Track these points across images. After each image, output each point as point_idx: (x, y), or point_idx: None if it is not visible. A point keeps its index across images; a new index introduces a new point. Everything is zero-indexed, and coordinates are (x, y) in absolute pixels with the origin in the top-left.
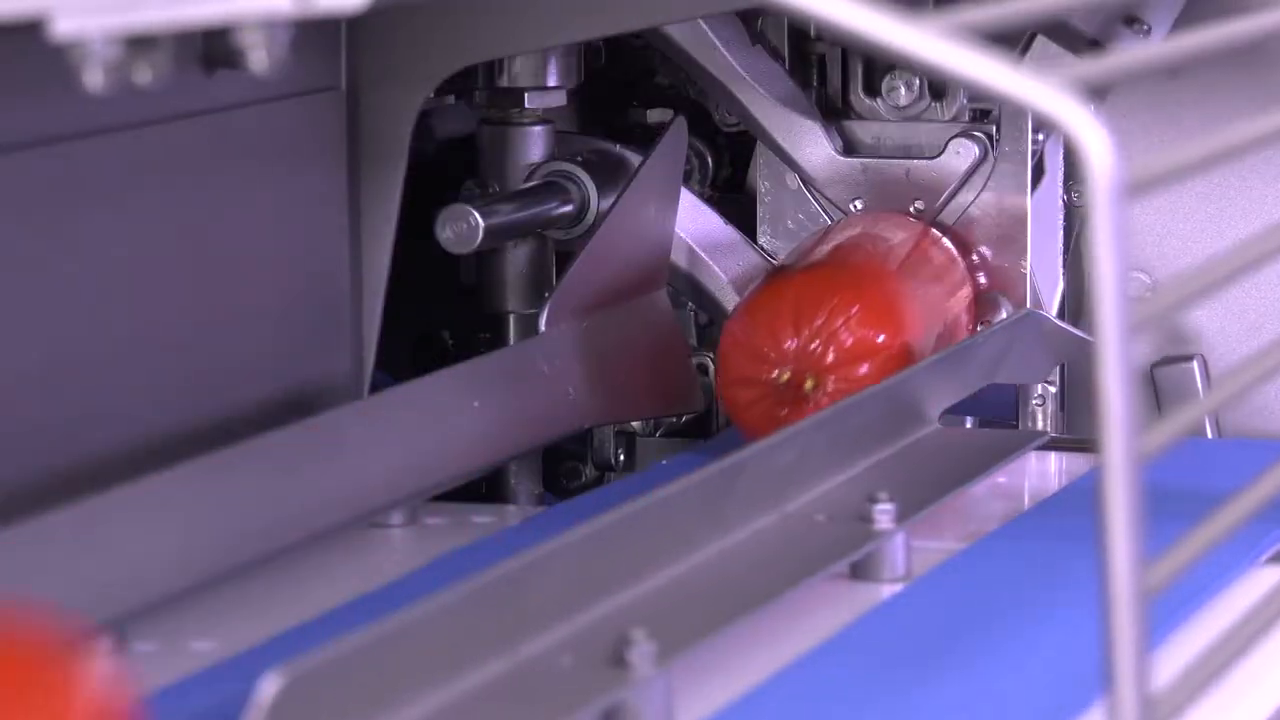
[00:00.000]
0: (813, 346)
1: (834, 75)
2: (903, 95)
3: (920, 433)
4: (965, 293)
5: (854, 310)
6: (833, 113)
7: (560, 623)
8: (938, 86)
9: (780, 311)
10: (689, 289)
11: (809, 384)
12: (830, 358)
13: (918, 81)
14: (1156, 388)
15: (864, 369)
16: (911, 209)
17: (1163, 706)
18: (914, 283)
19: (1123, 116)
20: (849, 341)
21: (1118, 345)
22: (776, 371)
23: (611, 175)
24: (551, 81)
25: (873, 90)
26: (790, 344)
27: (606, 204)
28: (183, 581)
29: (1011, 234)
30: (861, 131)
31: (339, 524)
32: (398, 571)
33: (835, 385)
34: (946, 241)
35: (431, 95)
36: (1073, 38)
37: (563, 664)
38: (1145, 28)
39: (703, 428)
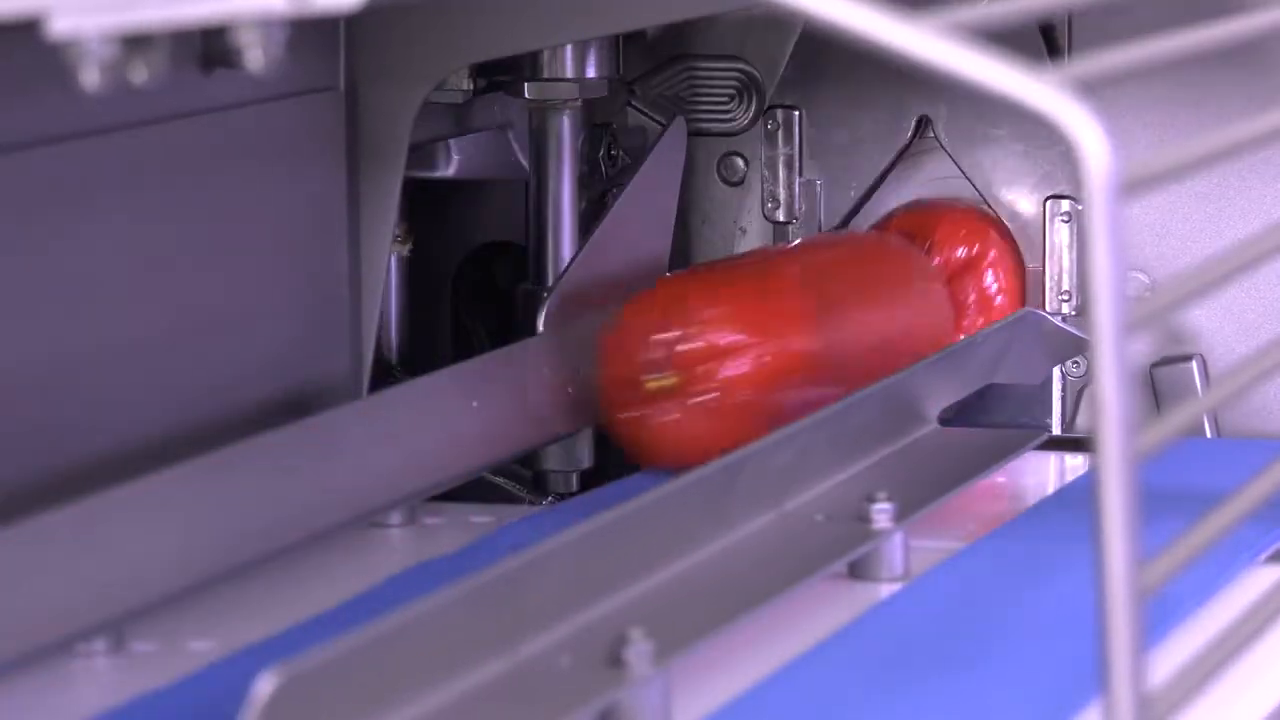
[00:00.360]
0: (667, 349)
1: None
2: None
3: (919, 432)
4: (924, 298)
5: (705, 313)
6: None
7: (558, 622)
8: None
9: (633, 328)
10: None
11: (668, 381)
12: (684, 354)
13: None
14: (1155, 388)
15: (723, 368)
16: None
17: (1159, 705)
18: (809, 286)
19: (1120, 116)
20: (700, 341)
21: (1115, 345)
22: (644, 376)
23: None
24: (591, 73)
25: None
26: (646, 350)
27: None
28: (182, 581)
29: None
30: None
31: (338, 524)
32: (396, 571)
33: (696, 385)
34: (899, 246)
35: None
36: None
37: (560, 663)
38: None
39: None
